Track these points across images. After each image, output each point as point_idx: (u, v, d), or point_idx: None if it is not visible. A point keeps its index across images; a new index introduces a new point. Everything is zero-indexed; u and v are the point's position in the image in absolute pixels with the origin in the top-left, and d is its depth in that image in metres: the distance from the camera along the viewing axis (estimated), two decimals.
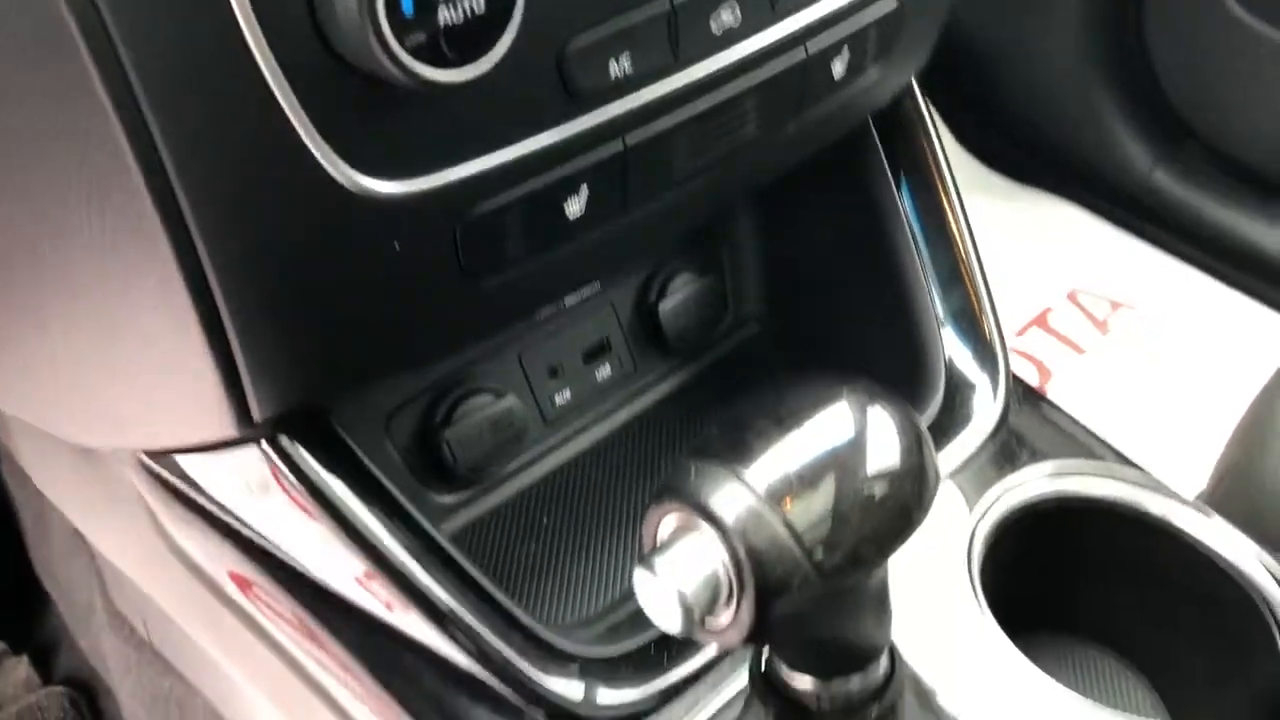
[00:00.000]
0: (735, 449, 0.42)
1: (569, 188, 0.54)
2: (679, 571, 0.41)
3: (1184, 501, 0.67)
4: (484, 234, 0.52)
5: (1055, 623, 0.73)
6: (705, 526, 0.41)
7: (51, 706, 1.10)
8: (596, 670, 0.58)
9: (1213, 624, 0.67)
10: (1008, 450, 0.70)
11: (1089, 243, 1.71)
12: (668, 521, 0.43)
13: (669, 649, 0.59)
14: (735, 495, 0.41)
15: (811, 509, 0.41)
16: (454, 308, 0.56)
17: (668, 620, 0.42)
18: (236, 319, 0.49)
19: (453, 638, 0.57)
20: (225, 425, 0.53)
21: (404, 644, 0.59)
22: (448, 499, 0.74)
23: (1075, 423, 0.75)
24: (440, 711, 0.59)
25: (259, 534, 0.62)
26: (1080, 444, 0.72)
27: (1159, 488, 0.68)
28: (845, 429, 0.42)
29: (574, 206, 0.54)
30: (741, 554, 0.40)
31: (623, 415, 0.81)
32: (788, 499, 0.41)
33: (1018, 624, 0.69)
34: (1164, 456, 0.76)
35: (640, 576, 0.42)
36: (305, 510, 0.59)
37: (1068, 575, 0.71)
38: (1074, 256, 1.70)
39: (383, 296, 0.52)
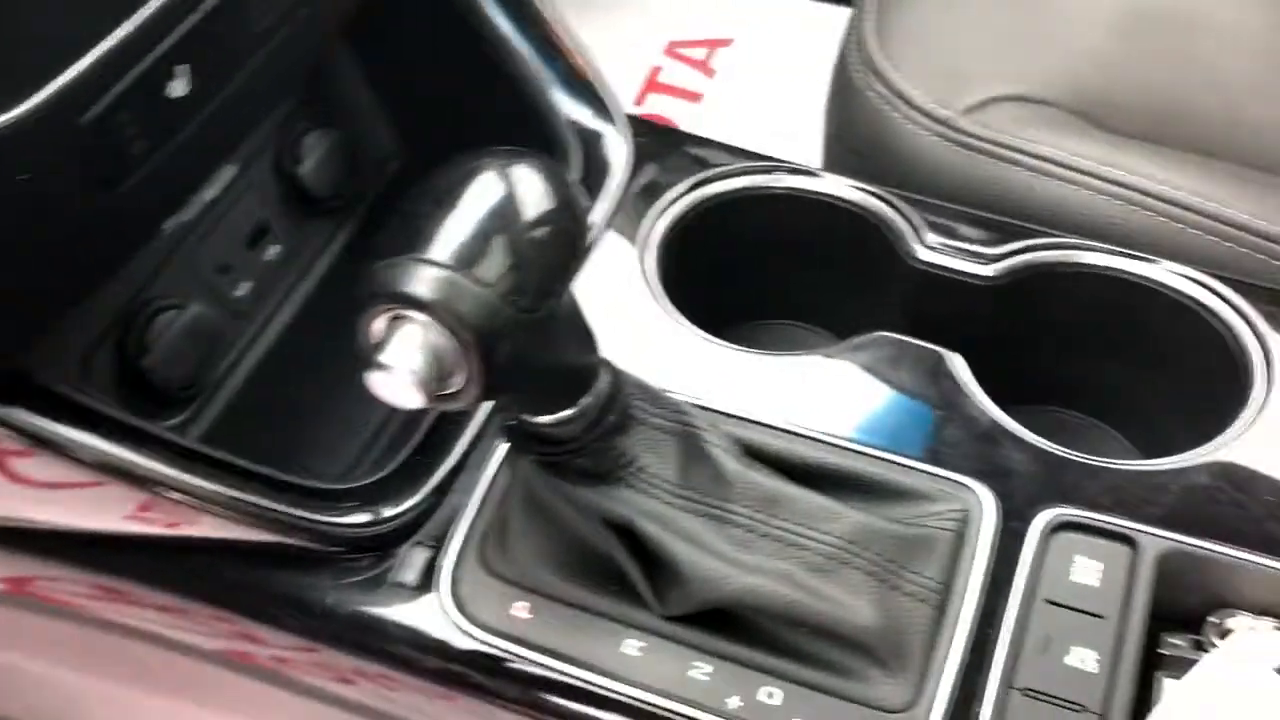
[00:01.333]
0: (411, 239, 0.47)
1: (165, 71, 0.55)
2: (404, 357, 0.46)
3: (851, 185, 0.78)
4: (103, 138, 0.53)
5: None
6: (412, 312, 0.46)
7: None
8: (375, 495, 0.63)
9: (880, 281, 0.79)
10: (655, 185, 0.78)
11: None
12: (377, 324, 0.47)
13: (430, 451, 0.65)
14: (426, 275, 0.46)
15: (494, 264, 0.46)
16: (98, 223, 0.56)
17: (411, 401, 0.47)
18: None
19: (240, 517, 0.60)
20: None
21: (202, 550, 0.62)
22: (173, 420, 0.76)
23: (713, 142, 0.83)
24: (254, 593, 0.63)
25: (12, 520, 0.62)
26: (731, 153, 0.81)
27: (802, 169, 0.79)
28: (496, 189, 0.48)
29: (177, 87, 0.56)
30: (452, 320, 0.46)
31: (306, 285, 0.84)
32: (471, 262, 0.46)
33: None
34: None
35: (372, 378, 0.47)
36: (51, 474, 0.60)
37: (758, 263, 0.82)
38: (662, 10, 1.80)
39: (25, 231, 0.52)
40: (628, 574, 0.59)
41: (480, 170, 0.49)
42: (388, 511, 0.62)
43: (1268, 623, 0.61)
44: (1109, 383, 0.80)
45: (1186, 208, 0.80)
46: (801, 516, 0.59)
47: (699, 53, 1.76)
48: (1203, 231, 0.80)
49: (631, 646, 0.59)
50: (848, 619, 0.57)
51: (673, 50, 1.77)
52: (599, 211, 0.76)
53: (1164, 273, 0.72)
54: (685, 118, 1.67)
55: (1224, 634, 0.61)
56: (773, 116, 1.67)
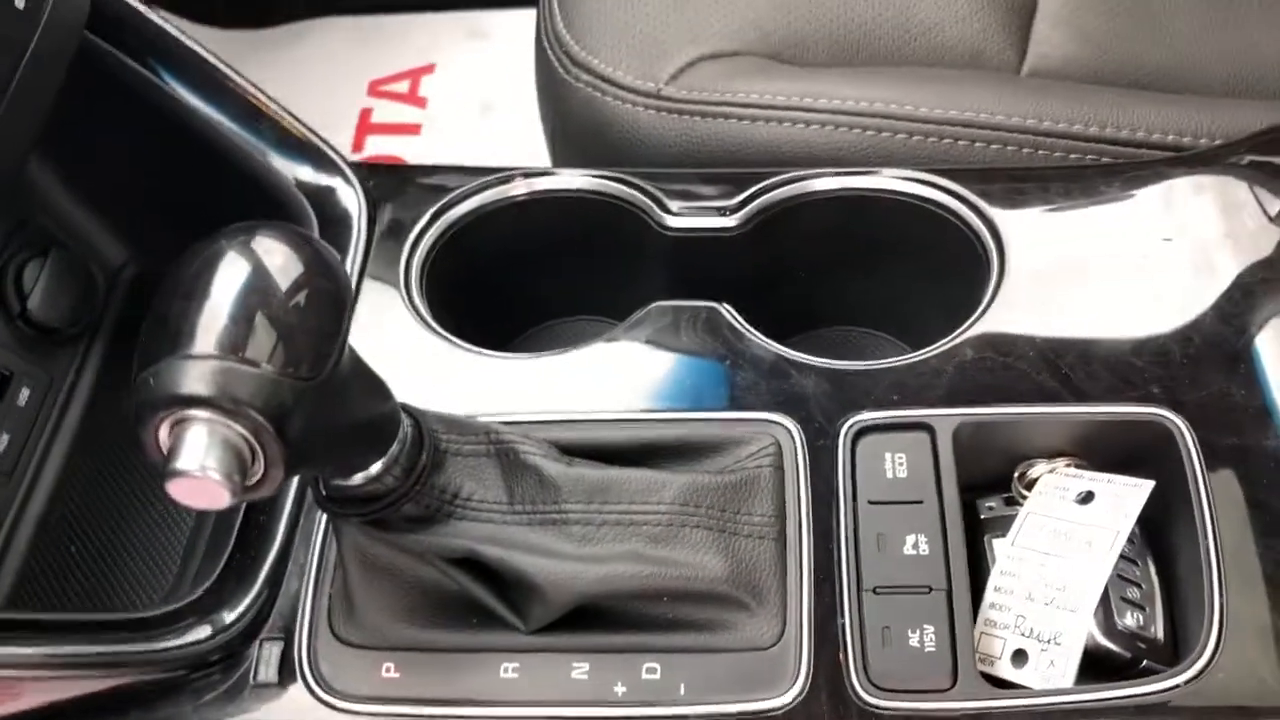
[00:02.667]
0: (171, 340, 0.45)
1: None
2: (199, 459, 0.44)
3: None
4: None
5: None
6: (193, 412, 0.45)
7: None
8: (209, 605, 0.61)
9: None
10: (398, 223, 0.78)
11: (350, 37, 1.78)
12: (161, 434, 0.46)
13: (252, 545, 0.63)
14: (196, 371, 0.45)
15: (262, 341, 0.46)
16: None
17: (218, 500, 0.46)
18: None
19: (65, 673, 0.57)
20: None
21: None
22: None
23: (442, 167, 0.84)
24: None
25: None
26: (463, 173, 0.82)
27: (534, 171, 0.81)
28: (243, 266, 0.47)
29: None
30: (236, 408, 0.45)
31: (70, 419, 0.80)
32: (238, 346, 0.45)
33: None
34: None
35: (173, 488, 0.45)
36: None
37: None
38: (352, 53, 1.78)
39: None
40: (484, 603, 0.59)
41: (221, 252, 0.47)
42: (228, 617, 0.60)
43: (1061, 462, 0.67)
44: (873, 293, 0.85)
45: (885, 116, 0.86)
46: (631, 496, 0.61)
47: (403, 85, 1.75)
48: (907, 133, 0.86)
49: (508, 670, 0.59)
50: (699, 576, 0.59)
51: (376, 89, 1.75)
52: (349, 263, 0.75)
53: (884, 180, 0.78)
54: (411, 151, 1.67)
55: (1030, 484, 0.66)
56: (497, 127, 1.69)
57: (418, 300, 0.73)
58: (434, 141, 1.66)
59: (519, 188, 0.80)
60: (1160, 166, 0.75)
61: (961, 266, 0.76)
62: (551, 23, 1.00)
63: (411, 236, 0.77)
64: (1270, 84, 0.95)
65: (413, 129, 1.69)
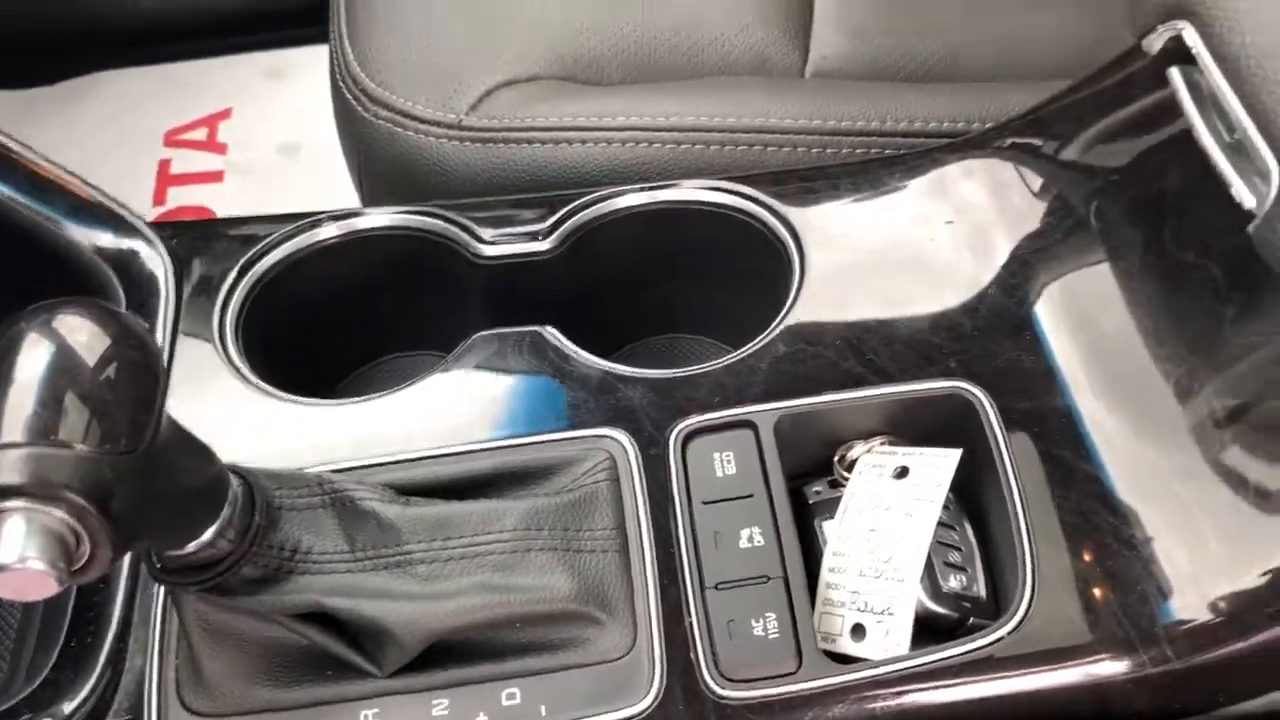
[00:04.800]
0: None
1: None
2: (20, 550, 0.43)
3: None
4: None
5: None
6: (9, 502, 0.44)
7: None
8: (47, 697, 0.59)
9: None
10: (207, 280, 0.77)
11: (140, 88, 1.72)
12: None
13: (86, 628, 0.61)
14: (7, 461, 0.44)
15: (74, 421, 0.45)
16: None
17: (45, 589, 0.45)
18: None
19: None
20: None
21: None
22: None
23: (248, 218, 0.82)
24: None
25: None
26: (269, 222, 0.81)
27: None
28: (46, 347, 0.46)
29: None
30: (53, 493, 0.44)
31: None
32: (49, 429, 0.44)
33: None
34: None
35: None
36: None
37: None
38: (140, 106, 1.72)
39: None
40: (336, 654, 0.59)
41: (21, 335, 0.46)
42: (68, 708, 0.58)
43: (876, 441, 0.71)
44: (692, 299, 0.88)
45: (681, 128, 0.90)
46: (474, 528, 0.62)
47: (200, 133, 1.71)
48: (704, 144, 0.90)
49: (368, 716, 0.59)
50: (548, 597, 0.60)
51: (173, 139, 1.70)
52: (159, 328, 0.73)
53: (684, 191, 0.81)
54: (217, 200, 1.62)
55: (850, 466, 0.70)
56: (302, 167, 1.66)
57: (236, 357, 0.72)
58: (238, 187, 1.63)
59: (327, 231, 0.80)
60: (936, 154, 0.80)
61: (767, 266, 0.80)
62: (345, 61, 1.00)
63: (222, 293, 0.76)
64: (1036, 66, 1.02)
65: (215, 176, 1.65)
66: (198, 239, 0.79)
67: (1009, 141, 0.79)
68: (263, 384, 0.72)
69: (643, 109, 0.91)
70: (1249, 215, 0.56)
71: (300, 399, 0.72)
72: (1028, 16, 1.05)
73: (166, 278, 0.76)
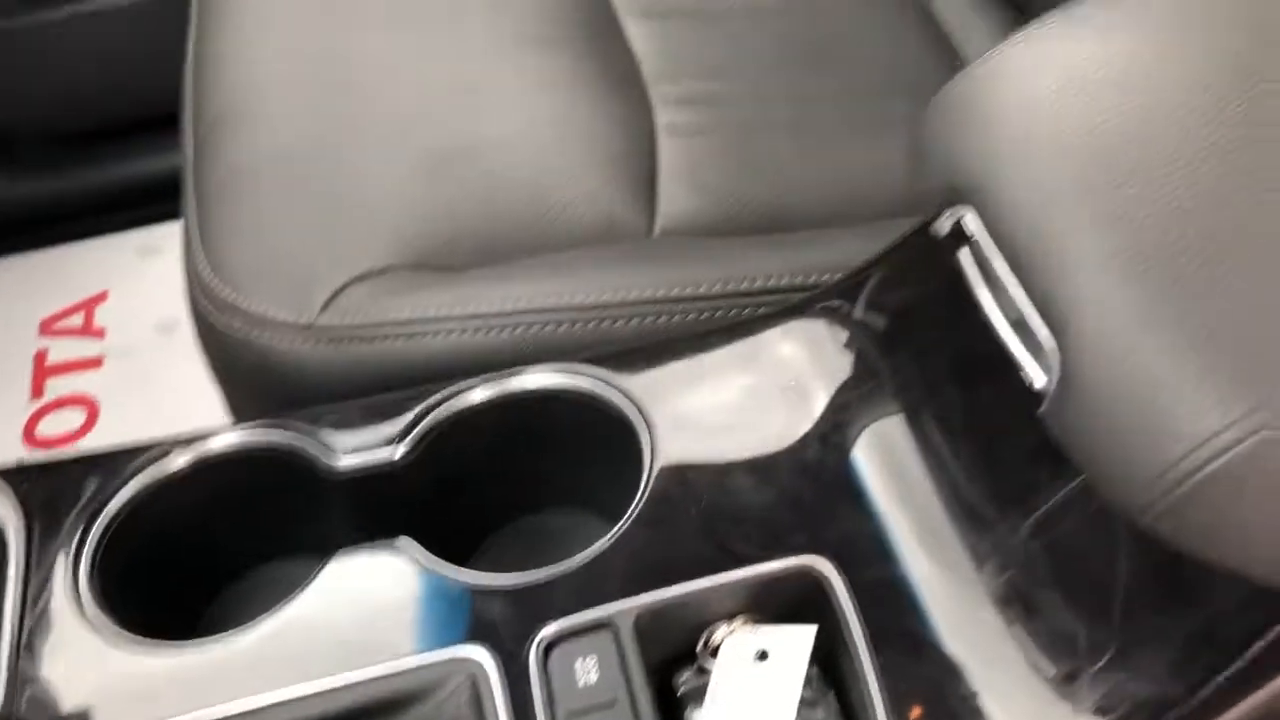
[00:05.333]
0: None
1: None
2: None
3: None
4: None
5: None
6: None
7: None
8: None
9: None
10: (54, 530, 0.76)
11: (9, 278, 1.71)
12: None
13: None
14: None
15: None
16: None
17: None
18: None
19: None
20: None
21: None
22: None
23: (97, 456, 0.82)
24: None
25: None
26: (119, 458, 0.80)
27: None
28: None
29: None
30: None
31: None
32: None
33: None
34: None
35: None
36: None
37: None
38: (20, 296, 1.71)
39: None
40: None
41: None
42: None
43: (739, 621, 0.72)
44: (557, 480, 0.88)
45: (530, 310, 0.91)
46: None
47: (77, 319, 1.69)
48: (554, 324, 0.91)
49: None
50: None
51: (49, 328, 1.69)
52: (10, 587, 0.72)
53: (532, 379, 0.82)
54: (98, 388, 1.61)
55: (715, 651, 0.71)
56: (183, 345, 1.65)
57: (92, 607, 0.71)
58: (119, 373, 1.61)
59: (177, 460, 0.79)
60: (769, 318, 0.83)
61: (622, 444, 0.81)
62: (196, 267, 1.00)
63: (74, 541, 0.75)
64: (868, 205, 1.06)
65: (94, 363, 1.64)
66: (50, 483, 0.78)
67: (819, 306, 0.82)
68: (124, 631, 0.71)
69: (492, 295, 0.92)
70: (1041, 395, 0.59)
71: (159, 645, 0.71)
72: (854, 155, 1.09)
73: (18, 532, 0.75)
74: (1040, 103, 0.59)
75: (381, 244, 0.99)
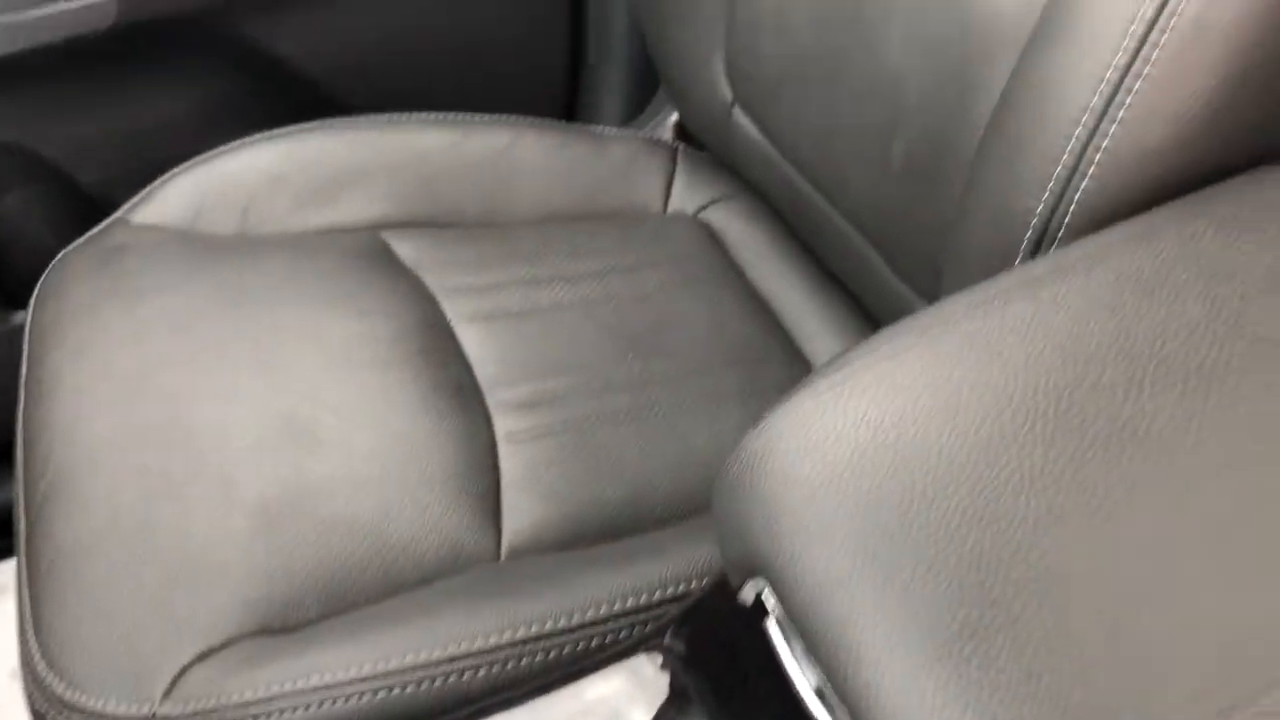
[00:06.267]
0: None
1: None
2: None
3: None
4: None
5: None
6: None
7: None
8: None
9: None
10: None
11: None
12: None
13: None
14: None
15: None
16: None
17: None
18: None
19: None
20: None
21: None
22: None
23: None
24: None
25: None
26: None
27: None
28: None
29: None
30: None
31: None
32: None
33: None
34: None
35: None
36: None
37: None
38: None
39: None
40: None
41: None
42: None
43: None
44: None
45: (374, 676, 0.90)
46: None
47: None
48: (401, 687, 0.90)
49: None
50: None
51: None
52: None
53: None
54: None
55: None
56: None
57: None
58: None
59: None
60: (602, 659, 0.83)
61: None
62: (31, 660, 0.97)
63: None
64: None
65: None
66: None
67: (652, 644, 0.82)
68: None
69: (336, 662, 0.91)
70: None
71: None
72: (706, 431, 1.12)
73: None
74: (814, 480, 0.61)
75: (221, 614, 0.97)
